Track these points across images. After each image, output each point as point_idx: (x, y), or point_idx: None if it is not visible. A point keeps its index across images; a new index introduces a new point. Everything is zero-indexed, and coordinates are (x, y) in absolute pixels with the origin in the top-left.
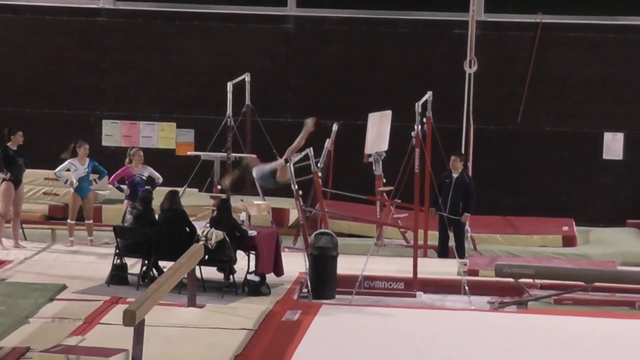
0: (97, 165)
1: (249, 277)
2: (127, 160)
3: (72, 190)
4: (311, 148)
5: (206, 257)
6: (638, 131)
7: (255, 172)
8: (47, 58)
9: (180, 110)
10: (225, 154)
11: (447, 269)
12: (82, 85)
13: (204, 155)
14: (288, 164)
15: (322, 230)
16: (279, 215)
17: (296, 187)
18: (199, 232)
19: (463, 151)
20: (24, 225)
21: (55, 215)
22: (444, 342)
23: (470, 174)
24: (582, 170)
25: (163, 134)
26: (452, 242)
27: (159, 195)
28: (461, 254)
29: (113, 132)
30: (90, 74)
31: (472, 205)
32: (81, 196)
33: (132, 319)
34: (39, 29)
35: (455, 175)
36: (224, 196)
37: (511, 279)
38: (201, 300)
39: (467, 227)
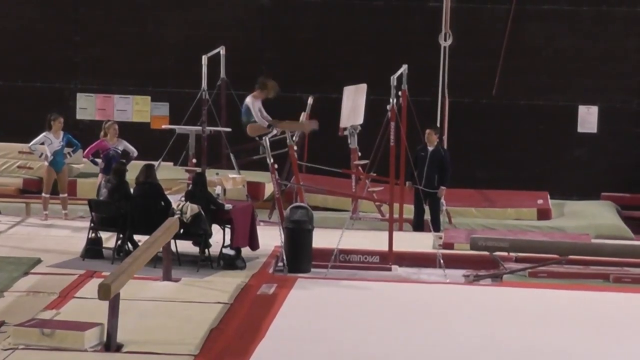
0: (71, 138)
1: (225, 250)
2: (101, 133)
3: (46, 163)
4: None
5: (181, 230)
6: (612, 104)
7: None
8: (20, 31)
9: (155, 83)
10: (200, 128)
11: (422, 242)
12: (55, 58)
13: (179, 128)
14: (270, 128)
15: (297, 203)
16: (254, 189)
17: (271, 160)
18: (174, 205)
19: (438, 124)
20: None
21: (30, 189)
22: (419, 316)
23: (445, 147)
24: (557, 143)
25: (138, 107)
26: (427, 216)
27: (134, 169)
28: (437, 227)
29: (87, 106)
30: (64, 46)
31: (448, 179)
32: (56, 170)
33: (107, 293)
34: (12, 2)
35: (430, 148)
36: (199, 170)
37: (486, 252)
38: (176, 274)
39: (443, 201)
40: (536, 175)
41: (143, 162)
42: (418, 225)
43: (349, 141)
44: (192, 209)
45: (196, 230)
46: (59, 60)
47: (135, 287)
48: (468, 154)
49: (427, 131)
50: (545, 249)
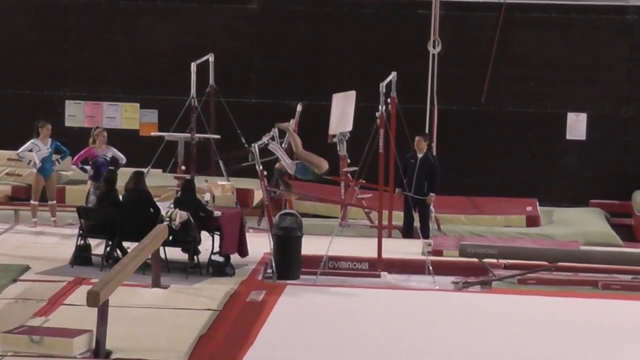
0: (59, 145)
1: (214, 257)
2: (90, 140)
3: (34, 170)
4: (276, 129)
5: (170, 237)
6: (601, 112)
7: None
8: (9, 38)
9: (144, 90)
10: (189, 135)
11: (411, 249)
12: (44, 66)
13: (168, 135)
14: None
15: (286, 210)
16: (243, 196)
17: (261, 167)
18: (163, 212)
19: (427, 132)
20: None
21: (18, 196)
22: (409, 322)
23: (434, 154)
24: (546, 150)
25: (127, 115)
26: (416, 223)
27: (123, 176)
28: (426, 234)
29: (76, 113)
30: (53, 54)
31: (438, 186)
32: (44, 176)
33: (96, 300)
34: (1, 9)
35: (420, 155)
36: (188, 177)
37: (475, 259)
38: (165, 281)
39: (432, 208)
40: (525, 182)
41: (132, 169)
42: (407, 232)
43: (338, 148)
44: (181, 215)
45: (185, 237)
46: (47, 67)
47: (124, 294)
48: (457, 161)
49: (417, 138)
50: (534, 256)
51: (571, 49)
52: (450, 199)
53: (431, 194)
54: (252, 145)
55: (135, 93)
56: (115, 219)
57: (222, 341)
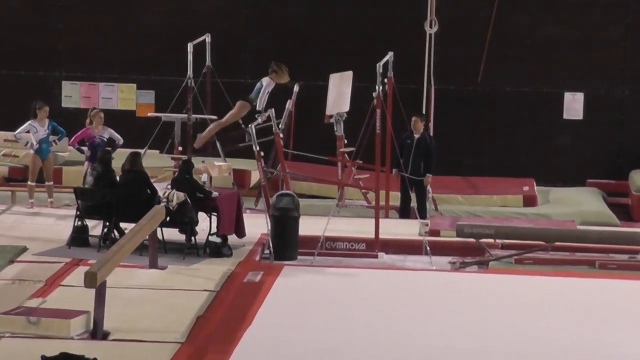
0: (57, 126)
1: (211, 238)
2: (87, 121)
3: (32, 152)
4: (273, 109)
5: (168, 218)
6: (598, 91)
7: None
8: (4, 19)
9: (141, 71)
10: (186, 116)
11: (408, 229)
12: (39, 47)
13: (165, 116)
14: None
15: (283, 191)
16: (240, 177)
17: (258, 148)
18: (160, 193)
19: (424, 112)
20: None
21: (15, 177)
22: (406, 303)
23: (431, 134)
24: (543, 130)
25: (123, 96)
26: (414, 203)
27: (120, 157)
28: (423, 214)
29: (72, 94)
30: (49, 34)
31: (434, 166)
32: (42, 158)
33: (93, 281)
34: None
35: (416, 136)
36: (185, 158)
37: (472, 240)
38: (163, 262)
39: (429, 188)
40: (522, 162)
41: (129, 150)
42: (404, 212)
43: (335, 129)
44: (178, 197)
45: (182, 218)
46: (43, 48)
47: (121, 276)
48: (454, 141)
49: (414, 119)
50: (531, 236)
51: (568, 29)
52: (447, 179)
53: (428, 174)
54: (249, 126)
55: (132, 74)
56: (113, 200)
57: (219, 322)
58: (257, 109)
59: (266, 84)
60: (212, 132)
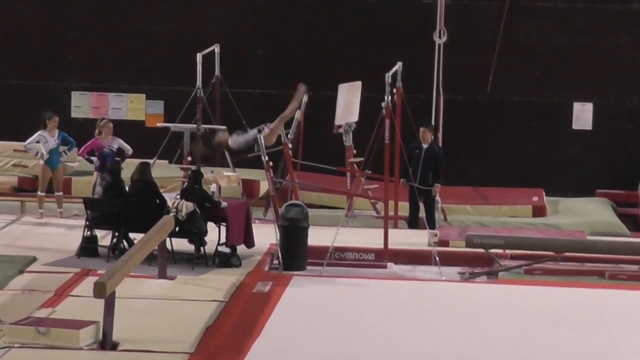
0: (66, 136)
1: (220, 248)
2: (96, 131)
3: (42, 162)
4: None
5: (177, 228)
6: (607, 101)
7: (234, 144)
8: (13, 29)
9: (149, 81)
10: (194, 125)
11: (417, 239)
12: (49, 57)
13: (174, 126)
14: (260, 134)
15: (292, 201)
16: (249, 187)
17: (266, 158)
18: (169, 203)
19: (433, 122)
20: None
21: (25, 187)
22: (415, 313)
23: (440, 144)
24: (552, 140)
25: (132, 106)
26: (422, 213)
27: (129, 167)
28: (432, 224)
29: (82, 104)
30: (58, 44)
31: (442, 176)
32: (51, 168)
33: (102, 291)
34: (4, 0)
35: (425, 145)
36: (194, 167)
37: (481, 250)
38: (172, 272)
39: (438, 198)
40: (531, 172)
41: (138, 160)
42: (413, 222)
43: (344, 139)
44: (187, 206)
45: (191, 228)
46: (53, 58)
47: (130, 285)
48: (462, 151)
49: (421, 129)
50: (540, 246)
51: (576, 38)
52: (456, 189)
53: (436, 184)
54: (258, 136)
55: (141, 84)
56: (122, 210)
57: (228, 332)
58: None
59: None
60: (278, 127)
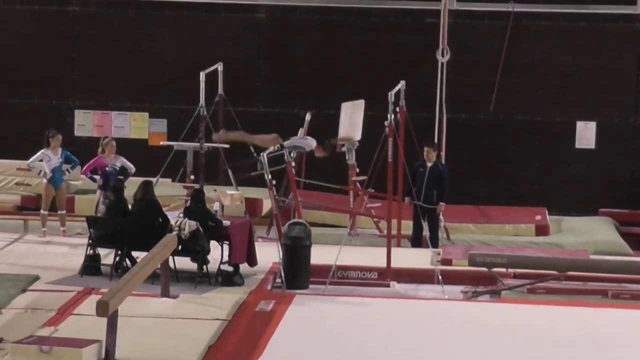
0: (69, 155)
1: (223, 267)
2: (99, 150)
3: (45, 180)
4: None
5: (179, 247)
6: (610, 120)
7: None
8: (18, 47)
9: (153, 99)
10: (198, 144)
11: (420, 258)
12: (53, 75)
13: (177, 145)
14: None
15: (295, 220)
16: (252, 205)
17: (269, 177)
18: (172, 222)
19: (436, 140)
20: None
21: (28, 206)
22: (418, 332)
23: (443, 162)
24: (555, 159)
25: (135, 124)
26: (425, 232)
27: (132, 185)
28: (435, 243)
29: (85, 122)
30: (62, 63)
31: (446, 195)
32: (54, 186)
33: (105, 310)
34: (10, 18)
35: (429, 164)
36: (197, 186)
37: (484, 269)
38: (174, 290)
39: (441, 217)
40: (534, 191)
41: (141, 179)
42: (416, 241)
43: (346, 157)
44: (190, 225)
45: (194, 247)
46: (56, 77)
47: (133, 304)
48: (466, 169)
49: (426, 149)
50: (543, 265)
51: (580, 57)
52: (459, 207)
53: (440, 203)
54: (261, 154)
55: (144, 102)
56: (124, 228)
57: (231, 351)
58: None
59: (307, 144)
60: (235, 137)
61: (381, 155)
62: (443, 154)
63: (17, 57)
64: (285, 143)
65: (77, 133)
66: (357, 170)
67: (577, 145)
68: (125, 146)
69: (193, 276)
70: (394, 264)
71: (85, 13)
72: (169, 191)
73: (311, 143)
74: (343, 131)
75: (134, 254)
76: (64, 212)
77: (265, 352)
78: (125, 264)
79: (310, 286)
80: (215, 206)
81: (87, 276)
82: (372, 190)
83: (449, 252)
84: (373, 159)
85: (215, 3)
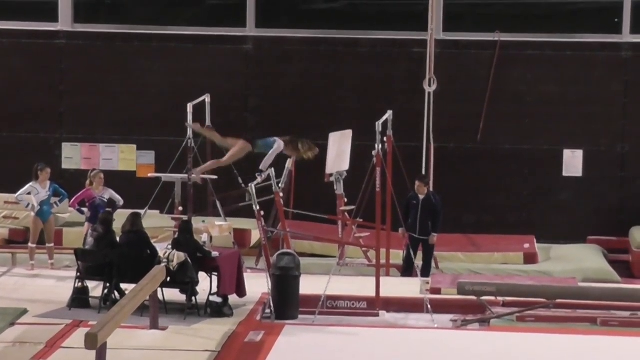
0: (58, 187)
1: (212, 298)
2: (87, 182)
3: (33, 214)
4: (272, 168)
5: (168, 278)
6: (597, 148)
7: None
8: (5, 80)
9: (140, 132)
10: (186, 176)
11: (409, 287)
12: (40, 108)
13: (165, 177)
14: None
15: (284, 250)
16: (240, 236)
17: (258, 207)
18: (160, 254)
19: (424, 170)
20: None
21: (16, 239)
22: None
23: (435, 193)
24: (543, 187)
25: (123, 156)
26: (418, 261)
27: (120, 217)
28: (427, 273)
29: (73, 155)
30: (49, 96)
31: (439, 225)
32: (42, 219)
33: (94, 342)
34: None
35: (421, 196)
36: (185, 218)
37: (474, 297)
38: (163, 322)
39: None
40: (522, 219)
41: (129, 211)
42: (407, 271)
43: (335, 187)
44: (178, 256)
45: (183, 278)
46: (44, 109)
47: (122, 336)
48: (454, 198)
49: (417, 183)
50: (532, 293)
51: (566, 86)
52: (448, 236)
53: (433, 234)
54: (249, 185)
55: (132, 134)
56: (113, 260)
57: None
58: (260, 167)
59: (277, 147)
60: (208, 167)
61: (369, 184)
62: (431, 183)
63: (3, 90)
64: (255, 149)
65: (64, 166)
66: (346, 200)
67: (565, 173)
68: (114, 178)
69: (182, 307)
70: (383, 294)
71: (73, 46)
72: (158, 223)
73: (280, 144)
74: (331, 161)
75: (123, 286)
76: (52, 244)
77: None
78: (114, 296)
79: (300, 316)
80: (204, 237)
81: (76, 309)
82: (361, 220)
83: (438, 281)
84: (361, 189)
85: (202, 35)
